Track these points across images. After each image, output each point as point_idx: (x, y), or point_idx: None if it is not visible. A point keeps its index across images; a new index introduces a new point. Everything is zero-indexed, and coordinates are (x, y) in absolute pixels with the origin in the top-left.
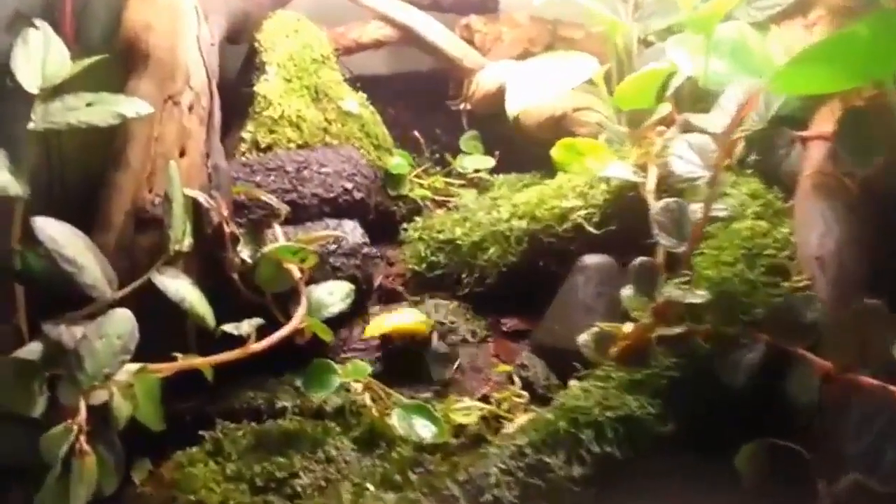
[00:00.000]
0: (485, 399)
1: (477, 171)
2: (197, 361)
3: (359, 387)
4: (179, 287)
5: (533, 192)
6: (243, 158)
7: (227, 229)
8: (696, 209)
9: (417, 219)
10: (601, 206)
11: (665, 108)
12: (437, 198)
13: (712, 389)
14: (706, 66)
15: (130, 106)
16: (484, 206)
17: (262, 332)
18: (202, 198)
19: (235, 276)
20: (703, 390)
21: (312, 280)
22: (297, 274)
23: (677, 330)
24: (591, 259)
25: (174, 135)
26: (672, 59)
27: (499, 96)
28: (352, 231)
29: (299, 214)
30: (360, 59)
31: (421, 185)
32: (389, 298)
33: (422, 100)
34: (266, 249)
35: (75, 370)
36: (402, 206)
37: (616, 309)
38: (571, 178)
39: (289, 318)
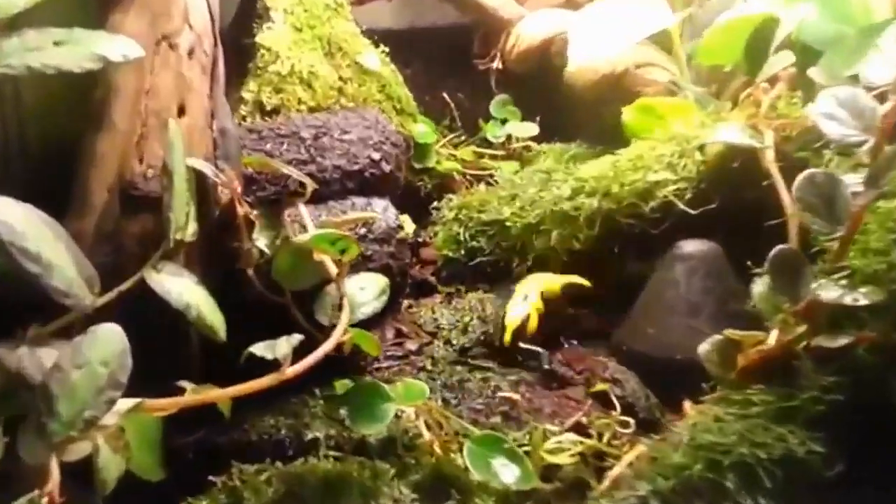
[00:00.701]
0: (580, 429)
1: (518, 139)
2: (213, 395)
3: (410, 411)
4: (183, 289)
5: (604, 165)
6: (248, 123)
7: (239, 211)
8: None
9: (451, 196)
10: (696, 180)
11: (785, 58)
12: (469, 171)
13: (887, 417)
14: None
15: (114, 46)
16: (535, 182)
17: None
18: (209, 170)
19: (250, 270)
20: (876, 418)
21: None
22: (332, 268)
23: (843, 341)
24: (692, 246)
25: (171, 87)
26: (756, 7)
27: (543, 51)
28: (384, 212)
29: (319, 191)
30: (371, 10)
31: (450, 157)
32: (419, 291)
33: (443, 59)
34: (297, 238)
35: (44, 415)
36: (427, 180)
37: (724, 308)
38: (655, 147)
39: (313, 322)
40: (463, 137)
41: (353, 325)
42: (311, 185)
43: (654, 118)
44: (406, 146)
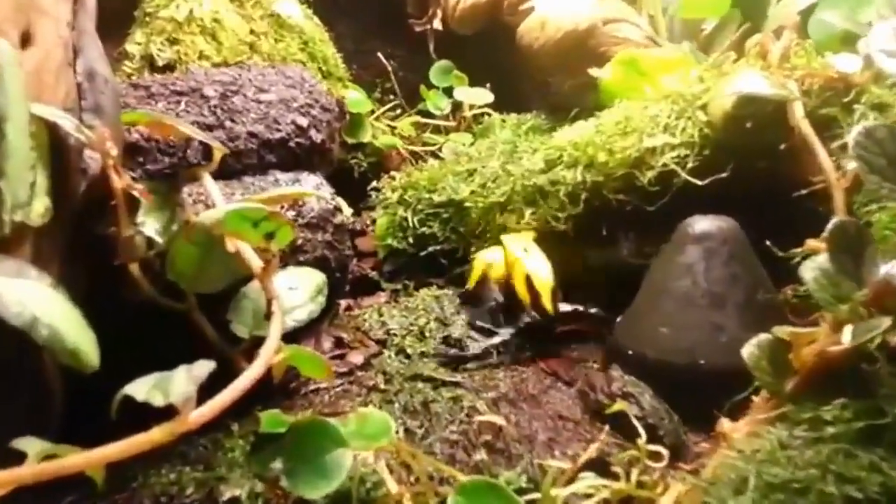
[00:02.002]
0: (602, 467)
1: (469, 107)
2: (74, 462)
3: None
4: (27, 296)
5: (584, 130)
6: (134, 79)
7: (116, 184)
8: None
9: (394, 174)
10: (699, 145)
11: (793, 4)
12: (412, 147)
13: None
14: None
15: None
16: (498, 154)
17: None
18: (70, 124)
19: (135, 267)
20: None
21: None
22: (254, 261)
23: None
24: (707, 223)
25: (7, 4)
26: None
27: (493, 7)
28: (315, 186)
29: (229, 164)
30: None
31: (387, 131)
32: (358, 289)
33: (372, 19)
34: (202, 218)
35: None
36: (362, 158)
37: (753, 300)
38: (646, 107)
39: (228, 336)
40: (399, 111)
41: (282, 337)
42: (219, 150)
43: (637, 75)
44: (340, 111)
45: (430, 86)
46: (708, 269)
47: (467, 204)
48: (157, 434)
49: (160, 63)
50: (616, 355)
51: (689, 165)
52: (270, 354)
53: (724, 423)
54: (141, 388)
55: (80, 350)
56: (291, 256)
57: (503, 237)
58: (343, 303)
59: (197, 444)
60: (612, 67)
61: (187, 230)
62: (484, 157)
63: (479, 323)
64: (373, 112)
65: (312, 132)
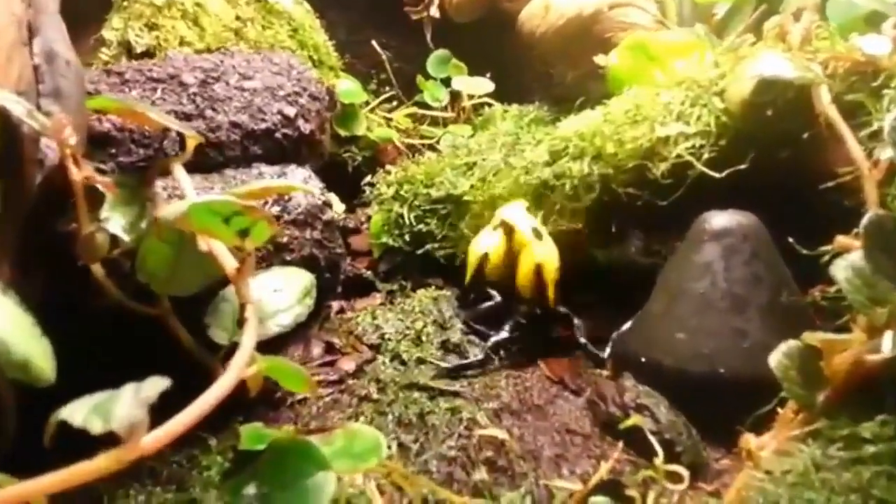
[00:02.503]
0: (615, 489)
1: (468, 97)
2: (15, 492)
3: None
4: None
5: (591, 119)
6: (110, 67)
7: (76, 176)
8: None
9: (389, 168)
10: (715, 135)
11: None
12: (409, 141)
13: None
14: None
15: None
16: (499, 146)
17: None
18: (21, 109)
19: (97, 267)
20: None
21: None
22: (228, 262)
23: None
24: (725, 219)
25: None
26: None
27: None
28: (303, 180)
29: (210, 156)
30: None
31: (381, 123)
32: (351, 290)
33: (366, 7)
34: (167, 212)
35: None
36: (356, 152)
37: (777, 302)
38: (658, 94)
39: (206, 343)
40: (395, 103)
41: (266, 343)
42: (193, 139)
43: (647, 60)
44: (330, 100)
45: (428, 76)
46: (728, 268)
47: (467, 198)
48: (102, 462)
49: (138, 50)
50: (627, 362)
51: (705, 156)
52: (241, 367)
53: (749, 439)
54: (79, 412)
55: (30, 362)
56: (276, 255)
57: (499, 210)
58: (335, 305)
59: (170, 461)
60: (620, 53)
61: (158, 227)
62: (484, 149)
63: (474, 325)
64: (368, 104)
65: (300, 122)
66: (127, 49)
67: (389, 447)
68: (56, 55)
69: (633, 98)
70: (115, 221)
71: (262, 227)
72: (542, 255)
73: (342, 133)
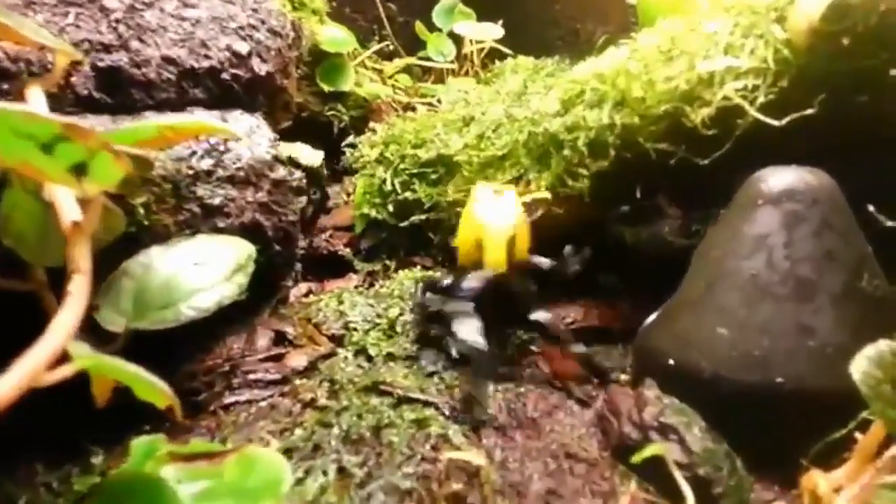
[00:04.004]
0: None
1: (472, 42)
2: None
3: None
4: None
5: (615, 57)
6: None
7: None
8: None
9: (375, 126)
10: (774, 73)
11: None
12: (408, 99)
13: None
14: None
15: None
16: (501, 98)
17: None
18: None
19: None
20: None
21: (154, 233)
22: (67, 214)
23: None
24: (790, 176)
25: None
26: None
27: None
28: (249, 129)
29: (135, 97)
30: None
31: (375, 79)
32: (326, 269)
33: None
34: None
35: None
36: (342, 111)
37: (854, 288)
38: (700, 23)
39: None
40: (394, 60)
41: (189, 331)
42: (65, 55)
43: None
44: (296, 37)
45: (433, 28)
46: (790, 243)
47: (459, 159)
48: None
49: None
50: (650, 365)
51: (760, 100)
52: (36, 368)
53: (815, 476)
54: None
55: None
56: (205, 220)
57: (474, 188)
58: (303, 287)
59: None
60: None
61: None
62: (485, 101)
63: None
64: (357, 54)
65: (255, 61)
66: None
67: (325, 473)
68: None
69: (669, 30)
70: None
71: (103, 161)
72: (484, 219)
73: (326, 88)
